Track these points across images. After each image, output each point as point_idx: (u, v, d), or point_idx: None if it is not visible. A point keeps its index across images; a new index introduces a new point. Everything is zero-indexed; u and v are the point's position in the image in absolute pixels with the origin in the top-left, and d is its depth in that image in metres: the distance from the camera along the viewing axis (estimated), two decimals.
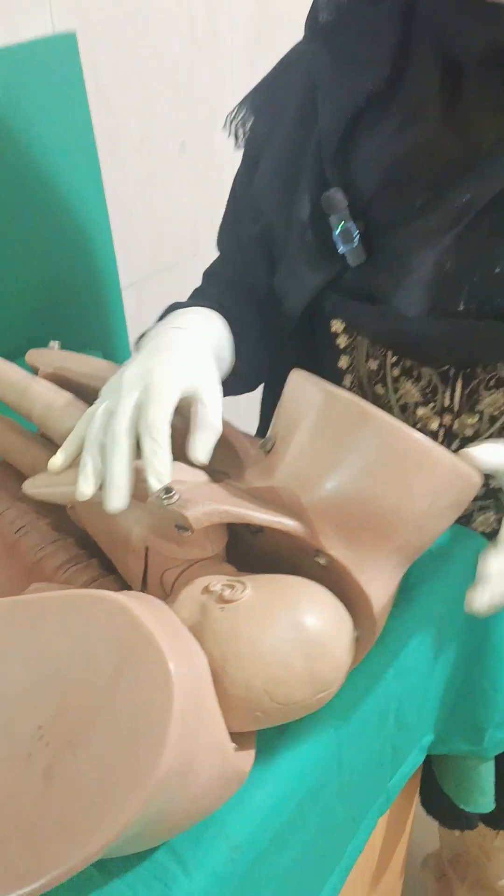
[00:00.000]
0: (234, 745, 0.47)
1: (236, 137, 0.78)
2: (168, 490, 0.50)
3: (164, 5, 1.12)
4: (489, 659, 0.76)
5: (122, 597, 0.45)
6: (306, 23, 0.69)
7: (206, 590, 0.50)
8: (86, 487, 0.54)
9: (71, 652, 0.44)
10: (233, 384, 0.74)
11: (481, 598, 0.55)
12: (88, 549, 0.62)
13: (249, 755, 0.51)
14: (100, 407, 0.57)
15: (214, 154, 1.28)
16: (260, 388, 0.89)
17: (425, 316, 0.66)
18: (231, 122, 0.78)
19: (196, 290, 0.85)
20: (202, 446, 0.56)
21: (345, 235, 0.66)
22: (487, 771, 0.85)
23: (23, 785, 0.42)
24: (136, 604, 0.44)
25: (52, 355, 0.78)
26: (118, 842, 0.40)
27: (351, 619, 0.52)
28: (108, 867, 0.50)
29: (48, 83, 0.98)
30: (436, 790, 0.94)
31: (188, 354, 0.61)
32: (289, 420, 0.55)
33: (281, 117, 0.73)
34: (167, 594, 0.55)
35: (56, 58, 0.98)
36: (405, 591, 0.66)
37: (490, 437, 0.74)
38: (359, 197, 0.66)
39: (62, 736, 0.42)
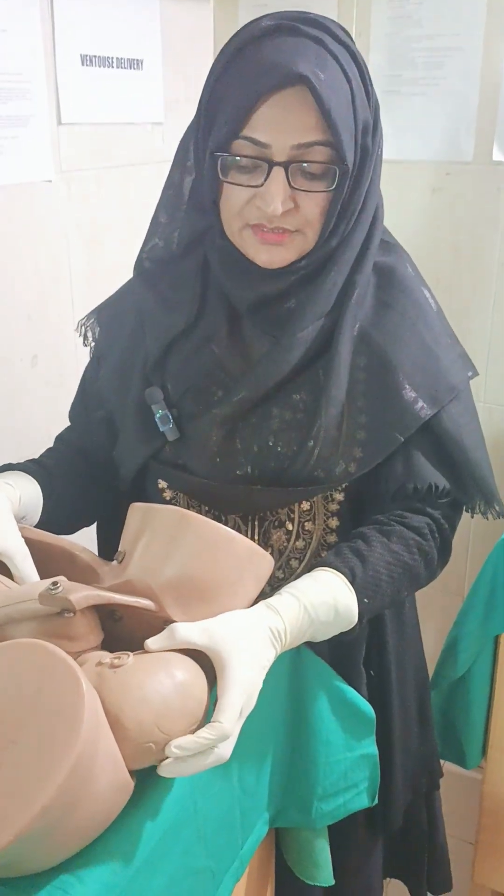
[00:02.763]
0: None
1: (85, 338, 1.05)
2: (55, 583, 0.70)
3: (13, 261, 1.41)
4: (307, 739, 0.94)
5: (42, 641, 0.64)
6: (134, 267, 0.98)
7: (99, 663, 0.69)
8: None
9: (6, 680, 0.62)
10: (54, 524, 0.96)
11: (168, 769, 0.67)
12: None
13: (132, 780, 0.67)
14: None
15: (64, 366, 1.55)
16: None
17: (217, 479, 0.93)
18: (82, 326, 1.05)
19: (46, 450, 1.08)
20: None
21: (163, 419, 0.93)
22: (321, 846, 1.00)
23: None
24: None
25: None
26: (47, 822, 0.56)
27: (202, 672, 0.71)
28: (18, 885, 0.64)
29: None
30: (287, 880, 1.08)
31: None
32: (132, 535, 0.78)
33: (120, 332, 1.01)
34: None
35: None
36: None
37: (280, 568, 0.99)
38: (173, 394, 0.94)
39: (5, 738, 0.59)
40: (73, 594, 0.69)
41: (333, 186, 0.85)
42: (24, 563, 0.81)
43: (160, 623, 0.73)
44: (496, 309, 1.71)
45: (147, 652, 0.70)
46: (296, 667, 0.92)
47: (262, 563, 0.77)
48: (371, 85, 0.88)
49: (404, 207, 1.73)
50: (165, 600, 0.72)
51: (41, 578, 0.82)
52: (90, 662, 0.69)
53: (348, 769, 0.96)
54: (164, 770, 0.67)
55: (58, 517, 0.97)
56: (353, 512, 0.97)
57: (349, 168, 0.85)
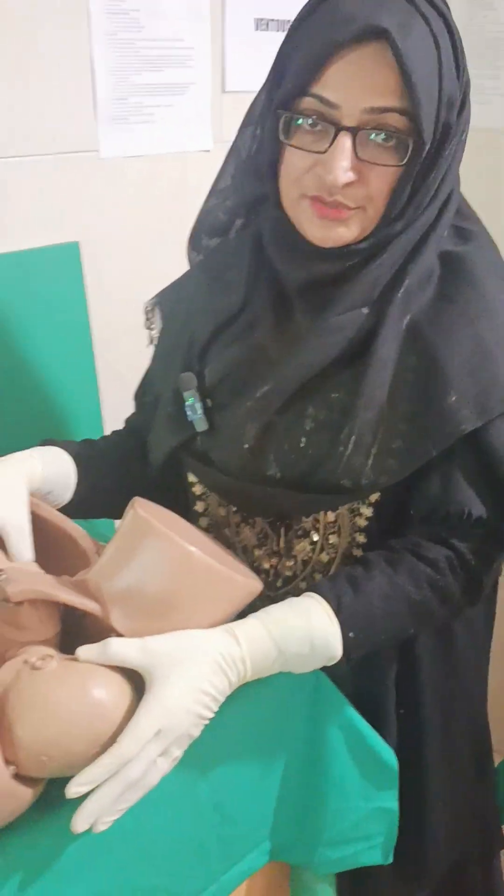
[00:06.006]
0: (13, 767, 0.62)
1: (148, 320, 1.01)
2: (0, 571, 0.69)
3: (146, 221, 1.40)
4: (320, 780, 0.85)
5: None
6: (189, 242, 0.93)
7: (26, 661, 0.67)
8: None
9: None
10: (84, 508, 0.92)
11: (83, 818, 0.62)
12: None
13: (32, 787, 0.64)
14: None
15: None
16: None
17: (245, 479, 0.85)
18: (146, 311, 1.01)
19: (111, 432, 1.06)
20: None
21: (192, 408, 0.87)
22: (324, 891, 0.92)
23: None
24: None
25: None
26: None
27: (136, 694, 0.66)
28: None
29: (54, 281, 1.26)
30: None
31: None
32: (116, 532, 0.74)
33: (175, 315, 0.96)
34: None
35: (62, 261, 1.27)
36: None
37: (304, 579, 0.90)
38: (209, 382, 0.88)
39: None
40: (12, 585, 0.67)
41: (405, 161, 0.74)
42: (17, 539, 0.79)
43: (108, 629, 0.69)
44: None
45: (76, 659, 0.66)
46: (315, 696, 0.84)
47: (228, 585, 0.69)
48: (463, 59, 0.75)
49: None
50: (112, 608, 0.68)
51: (42, 557, 0.81)
52: (20, 656, 0.67)
53: (362, 819, 0.87)
54: (78, 823, 0.62)
55: (93, 501, 0.94)
56: (382, 530, 0.86)
57: (426, 143, 0.74)
